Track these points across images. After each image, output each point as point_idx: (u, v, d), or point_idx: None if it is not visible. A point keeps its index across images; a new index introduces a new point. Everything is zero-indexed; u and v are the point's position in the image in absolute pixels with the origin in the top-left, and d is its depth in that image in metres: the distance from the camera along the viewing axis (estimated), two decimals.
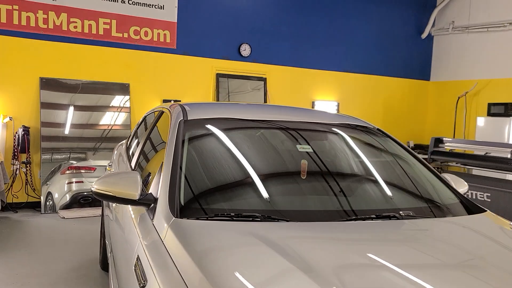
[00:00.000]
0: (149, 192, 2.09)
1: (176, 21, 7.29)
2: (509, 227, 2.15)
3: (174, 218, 1.81)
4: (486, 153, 6.49)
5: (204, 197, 2.05)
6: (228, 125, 2.47)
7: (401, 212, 2.03)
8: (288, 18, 8.37)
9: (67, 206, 6.41)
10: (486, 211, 2.30)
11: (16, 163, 6.12)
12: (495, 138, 7.87)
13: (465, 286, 1.49)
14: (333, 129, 2.65)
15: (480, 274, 1.61)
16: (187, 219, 1.82)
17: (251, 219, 1.83)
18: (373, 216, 1.96)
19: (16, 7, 6.10)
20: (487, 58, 9.00)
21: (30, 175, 6.31)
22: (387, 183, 2.39)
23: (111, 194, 1.97)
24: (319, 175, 2.34)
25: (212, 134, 2.42)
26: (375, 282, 1.44)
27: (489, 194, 5.81)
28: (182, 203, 1.93)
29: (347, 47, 9.09)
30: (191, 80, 7.54)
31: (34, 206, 6.35)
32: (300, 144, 2.42)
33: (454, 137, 9.26)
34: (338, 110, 9.02)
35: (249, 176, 2.18)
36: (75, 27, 6.52)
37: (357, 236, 1.80)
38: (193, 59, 7.51)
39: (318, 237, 1.77)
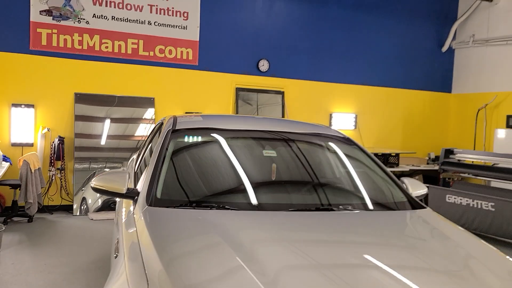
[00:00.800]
0: (136, 188, 2.55)
1: (198, 39, 7.87)
2: (438, 218, 2.46)
3: (147, 206, 2.26)
4: (494, 164, 6.59)
5: (175, 191, 2.49)
6: (208, 134, 2.92)
7: (340, 206, 2.39)
8: (306, 34, 8.78)
9: (99, 210, 7.04)
10: (426, 208, 2.60)
11: (52, 170, 6.83)
12: None
13: (376, 256, 1.84)
14: (301, 137, 3.04)
15: (384, 247, 1.97)
16: (158, 207, 2.27)
17: (209, 207, 2.26)
18: (313, 208, 2.33)
19: (55, 31, 6.88)
20: (507, 71, 9.01)
21: (65, 181, 7.00)
22: (340, 183, 2.75)
23: (104, 188, 2.45)
24: (278, 176, 2.73)
25: (192, 141, 2.88)
26: (297, 253, 1.82)
27: (493, 204, 5.93)
28: (157, 196, 2.37)
29: (366, 60, 9.37)
30: (212, 94, 8.07)
31: (67, 209, 7.03)
32: (266, 150, 2.82)
33: (474, 149, 9.28)
34: (356, 122, 9.27)
35: (214, 175, 2.61)
36: (106, 47, 7.23)
37: (290, 222, 2.18)
38: (213, 74, 8.06)
39: (257, 220, 2.17)
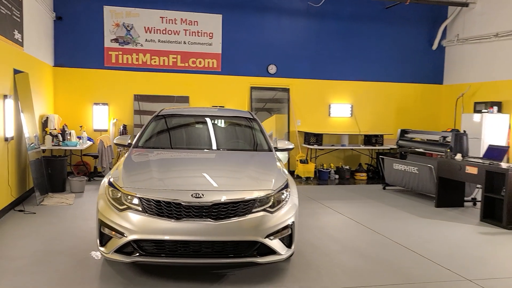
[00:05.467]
0: (133, 142, 5.41)
1: (220, 52, 10.68)
2: (268, 153, 5.01)
3: (133, 148, 5.10)
4: (427, 139, 8.61)
5: (147, 143, 5.26)
6: (172, 116, 5.67)
7: (227, 149, 5.07)
8: (308, 42, 11.18)
9: None
10: (272, 151, 5.14)
11: (119, 148, 10.05)
12: (475, 130, 9.63)
13: (214, 163, 4.52)
14: (223, 117, 5.71)
15: (222, 160, 4.65)
16: (137, 148, 5.10)
17: (162, 148, 5.06)
18: (212, 148, 5.05)
19: (120, 52, 10.09)
20: (479, 65, 10.66)
21: None
22: (236, 139, 5.40)
23: (119, 143, 5.32)
24: (205, 136, 5.43)
25: (164, 119, 5.65)
26: (179, 162, 4.54)
27: (417, 168, 8.04)
28: (138, 144, 5.19)
29: (361, 60, 11.51)
30: (231, 92, 10.83)
31: None
32: (198, 125, 5.56)
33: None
34: (352, 111, 11.48)
35: (170, 135, 5.40)
36: (155, 61, 10.31)
37: (197, 155, 4.89)
38: (233, 77, 10.81)
39: (179, 152, 4.91)
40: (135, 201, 3.78)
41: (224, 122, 5.73)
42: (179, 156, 4.84)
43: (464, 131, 8.12)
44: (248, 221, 3.79)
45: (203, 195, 3.76)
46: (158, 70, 10.36)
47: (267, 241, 3.83)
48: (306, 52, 11.19)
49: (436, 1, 10.90)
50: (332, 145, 10.97)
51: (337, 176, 10.86)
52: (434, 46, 11.86)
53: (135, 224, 3.68)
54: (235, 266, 4.27)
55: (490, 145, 7.10)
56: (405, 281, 4.15)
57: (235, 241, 3.78)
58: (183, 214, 3.70)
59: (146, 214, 3.71)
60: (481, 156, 7.19)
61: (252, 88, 10.95)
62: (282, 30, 11.05)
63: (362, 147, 10.98)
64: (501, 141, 9.47)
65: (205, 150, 5.12)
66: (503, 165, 6.37)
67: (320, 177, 10.64)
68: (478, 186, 7.56)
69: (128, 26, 10.08)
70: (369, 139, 11.00)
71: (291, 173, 11.00)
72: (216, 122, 5.64)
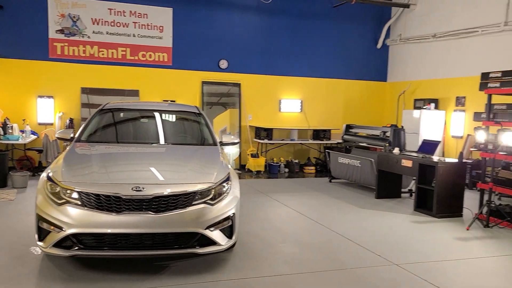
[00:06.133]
0: (76, 136, 5.34)
1: (171, 46, 10.63)
2: (213, 147, 5.14)
3: (75, 142, 5.05)
4: (370, 134, 9.02)
5: (91, 137, 5.23)
6: (115, 110, 5.64)
7: (171, 143, 5.14)
8: (258, 38, 11.36)
9: None
10: (217, 145, 5.26)
11: (65, 142, 9.80)
12: (414, 125, 10.18)
13: (158, 157, 4.58)
14: (168, 111, 5.75)
15: (166, 155, 4.72)
16: (80, 142, 5.06)
17: (103, 142, 5.05)
18: (160, 143, 5.11)
19: (66, 44, 9.82)
20: (420, 63, 11.26)
21: None
22: (182, 133, 5.48)
23: (61, 137, 5.25)
24: (150, 131, 5.47)
25: (109, 113, 5.62)
26: (129, 161, 4.56)
27: (359, 161, 8.42)
28: (81, 138, 5.15)
29: (310, 57, 11.83)
30: (183, 86, 10.83)
31: None
32: (144, 118, 5.59)
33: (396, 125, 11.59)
34: (301, 106, 11.80)
35: (113, 129, 5.39)
36: (103, 54, 10.11)
37: (141, 149, 4.92)
38: (184, 72, 10.80)
39: (122, 146, 4.93)
40: (74, 195, 3.79)
41: (171, 117, 5.79)
42: (122, 150, 4.86)
43: (402, 127, 8.60)
44: (189, 213, 3.90)
45: (143, 188, 3.83)
46: (107, 63, 10.18)
47: (208, 232, 3.96)
48: (257, 47, 11.36)
49: (380, 1, 11.39)
50: (282, 140, 11.24)
51: (287, 170, 11.15)
52: (379, 45, 12.39)
53: (74, 218, 3.70)
54: (176, 257, 4.37)
55: (424, 139, 7.58)
56: (340, 267, 4.42)
57: (175, 233, 3.88)
58: (123, 207, 3.76)
59: (86, 208, 3.74)
60: (416, 150, 7.66)
61: (204, 83, 11.00)
62: (233, 25, 11.15)
63: (311, 141, 11.33)
64: (437, 136, 10.08)
65: (150, 145, 5.16)
66: (434, 158, 6.83)
67: (271, 171, 10.89)
68: (414, 178, 8.04)
69: (74, 17, 9.83)
70: (317, 134, 11.36)
71: (242, 166, 11.18)
72: (162, 116, 5.67)
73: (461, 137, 9.86)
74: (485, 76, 6.69)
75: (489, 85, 6.52)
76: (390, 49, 12.50)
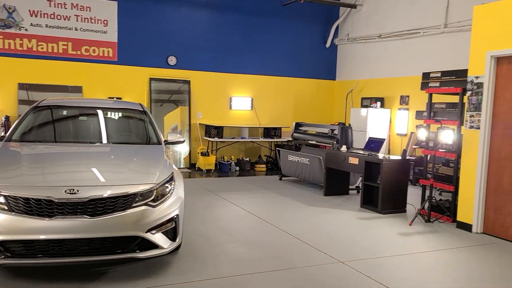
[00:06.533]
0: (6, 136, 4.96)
1: (116, 41, 10.23)
2: (157, 146, 4.94)
3: (5, 142, 4.70)
4: (318, 132, 9.12)
5: (24, 136, 4.89)
6: (58, 106, 5.33)
7: (113, 142, 4.89)
8: (209, 35, 11.18)
9: None
10: (161, 144, 5.08)
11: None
12: (362, 123, 10.41)
13: (98, 157, 4.33)
14: (111, 109, 5.48)
15: (107, 154, 4.48)
16: (12, 141, 4.71)
17: (41, 143, 4.72)
18: (101, 142, 4.83)
19: (1, 36, 9.19)
20: (367, 63, 11.54)
21: None
22: (127, 132, 5.24)
23: None
24: (91, 129, 5.19)
25: (45, 110, 5.28)
26: (66, 160, 4.28)
27: (308, 159, 8.48)
28: (12, 138, 4.80)
29: (261, 55, 11.81)
30: (130, 83, 10.46)
31: None
32: (85, 116, 5.29)
33: (345, 123, 11.82)
34: (252, 104, 11.75)
35: (51, 128, 5.07)
36: (42, 48, 9.56)
37: (80, 149, 4.64)
38: (130, 68, 10.44)
39: (59, 145, 4.64)
40: (1, 199, 3.50)
41: (114, 114, 5.52)
42: (58, 150, 4.56)
43: (349, 125, 8.76)
44: (128, 216, 3.72)
45: (78, 190, 3.60)
46: (47, 58, 9.63)
47: (149, 236, 3.79)
48: (207, 44, 11.18)
49: (328, 1, 11.55)
50: (233, 138, 11.15)
51: (237, 168, 11.08)
52: (328, 44, 12.58)
53: (0, 225, 3.41)
54: (116, 263, 4.17)
55: (370, 137, 7.75)
56: (288, 267, 4.39)
57: (114, 237, 3.69)
58: (56, 212, 3.51)
59: (13, 213, 3.45)
60: (363, 147, 7.82)
61: (152, 80, 10.68)
62: (182, 21, 10.91)
63: (262, 139, 11.32)
64: (383, 134, 10.38)
65: (89, 144, 4.88)
66: (380, 155, 7.00)
67: (221, 169, 10.77)
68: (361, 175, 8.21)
69: (9, 8, 9.21)
70: (268, 132, 11.36)
71: (193, 165, 10.98)
72: (104, 114, 5.40)
73: (405, 135, 10.21)
74: (426, 76, 6.92)
75: (430, 84, 6.76)
76: (338, 48, 12.73)
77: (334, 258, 4.68)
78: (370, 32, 11.36)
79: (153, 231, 3.84)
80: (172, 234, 4.04)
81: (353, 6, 11.68)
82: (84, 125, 5.30)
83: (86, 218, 3.57)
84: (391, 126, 10.60)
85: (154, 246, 3.86)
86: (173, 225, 4.03)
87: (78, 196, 3.57)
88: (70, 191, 3.57)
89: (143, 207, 3.81)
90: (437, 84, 6.65)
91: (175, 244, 4.07)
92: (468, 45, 8.93)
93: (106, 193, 3.68)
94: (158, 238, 3.88)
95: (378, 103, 10.56)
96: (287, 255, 4.74)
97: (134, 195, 3.80)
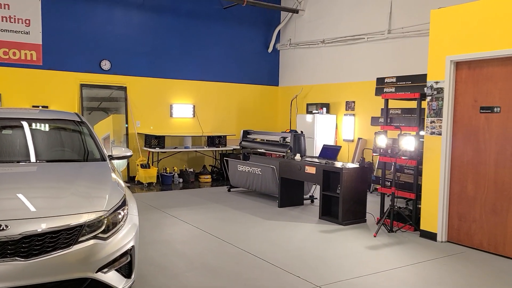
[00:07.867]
0: None
1: (41, 43, 9.13)
2: (101, 163, 4.21)
3: None
4: (268, 140, 8.75)
5: None
6: None
7: (47, 160, 4.08)
8: (145, 38, 10.39)
9: None
10: (106, 160, 4.36)
11: None
12: (309, 130, 10.19)
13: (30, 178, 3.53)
14: (43, 120, 4.65)
15: (41, 175, 3.69)
16: None
17: None
18: (32, 161, 4.00)
19: None
20: (310, 68, 11.41)
21: None
22: (63, 147, 4.44)
23: None
24: (17, 145, 4.33)
25: None
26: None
27: (260, 169, 8.05)
28: None
29: (201, 60, 11.22)
30: (58, 90, 9.38)
31: None
32: (8, 129, 4.42)
33: (290, 129, 11.57)
34: (194, 111, 11.11)
35: None
36: None
37: (6, 169, 3.80)
38: (58, 73, 9.37)
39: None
40: None
41: (44, 127, 4.67)
42: None
43: (302, 132, 8.47)
44: (74, 253, 3.01)
45: (7, 226, 2.84)
46: None
47: (100, 276, 3.11)
48: (143, 48, 10.39)
49: (269, 5, 11.27)
50: (175, 148, 10.44)
51: (181, 180, 10.39)
52: (270, 49, 12.30)
53: None
54: None
55: (324, 145, 7.50)
56: None
57: (56, 282, 2.96)
58: None
59: None
60: (316, 155, 7.55)
61: (83, 86, 9.68)
62: (116, 23, 10.04)
63: (206, 148, 10.72)
64: (330, 140, 10.25)
65: (15, 163, 4.04)
66: (338, 164, 6.74)
67: (163, 182, 10.01)
68: (315, 184, 7.94)
69: None
70: (212, 140, 10.79)
71: (132, 178, 10.11)
72: (32, 126, 4.55)
73: (352, 141, 10.16)
74: (380, 81, 6.80)
75: (385, 90, 6.63)
76: (280, 54, 12.50)
77: (310, 282, 4.25)
78: (313, 38, 11.24)
79: (105, 270, 3.16)
80: (127, 270, 3.38)
81: (295, 11, 11.51)
82: (10, 140, 4.40)
83: (19, 260, 2.82)
84: (337, 132, 10.51)
85: (106, 287, 3.18)
86: (128, 259, 3.37)
87: (8, 233, 2.82)
88: None
89: (92, 241, 3.12)
90: (393, 90, 6.54)
91: (130, 282, 3.41)
92: (412, 50, 9.12)
93: (44, 226, 2.95)
94: (111, 277, 3.20)
95: (324, 109, 10.43)
96: (259, 282, 4.24)
97: (80, 227, 3.10)
